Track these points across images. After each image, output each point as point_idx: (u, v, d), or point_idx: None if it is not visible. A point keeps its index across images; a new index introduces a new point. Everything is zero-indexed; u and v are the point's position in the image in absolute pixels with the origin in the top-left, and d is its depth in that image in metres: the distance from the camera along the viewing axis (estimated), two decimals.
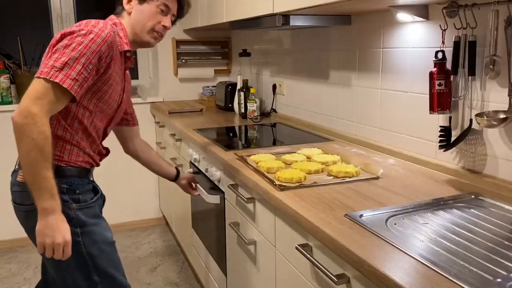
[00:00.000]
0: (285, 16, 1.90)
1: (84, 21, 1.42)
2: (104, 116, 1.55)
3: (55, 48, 1.34)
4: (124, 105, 1.70)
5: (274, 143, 2.27)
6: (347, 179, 1.51)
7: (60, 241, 1.30)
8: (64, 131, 1.42)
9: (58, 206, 1.31)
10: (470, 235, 1.12)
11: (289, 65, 2.71)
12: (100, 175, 3.52)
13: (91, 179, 1.56)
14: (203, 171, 2.23)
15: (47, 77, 1.28)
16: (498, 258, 1.00)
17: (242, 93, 2.93)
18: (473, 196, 1.36)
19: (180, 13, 1.63)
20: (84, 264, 1.43)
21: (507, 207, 1.28)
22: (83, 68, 1.33)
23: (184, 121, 2.77)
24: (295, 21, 1.92)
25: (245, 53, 3.07)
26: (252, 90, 2.89)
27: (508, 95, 1.34)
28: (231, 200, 1.88)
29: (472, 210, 1.28)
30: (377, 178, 1.54)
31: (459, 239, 1.10)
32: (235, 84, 3.12)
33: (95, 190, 1.55)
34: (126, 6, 1.54)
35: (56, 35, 1.39)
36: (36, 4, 3.34)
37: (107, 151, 1.64)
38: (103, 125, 1.57)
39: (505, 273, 0.94)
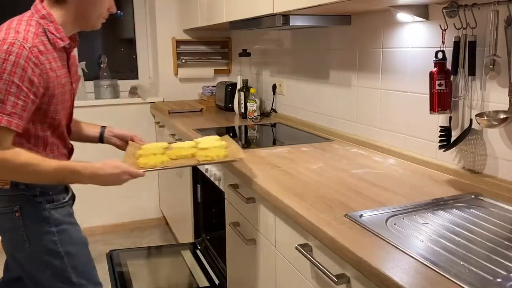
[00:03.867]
0: (285, 16, 1.90)
1: (2, 31, 1.28)
2: (63, 117, 1.47)
3: None
4: (76, 92, 1.57)
5: (274, 143, 2.27)
6: (204, 162, 1.53)
7: (123, 174, 1.38)
8: (30, 150, 1.35)
9: (86, 167, 1.36)
10: (470, 235, 1.12)
11: (289, 65, 2.71)
12: None
13: None
14: (203, 171, 2.23)
15: None
16: (498, 258, 1.00)
17: (242, 93, 2.93)
18: (473, 196, 1.36)
19: None
20: (61, 264, 1.42)
21: (507, 207, 1.28)
22: (16, 99, 1.24)
23: (184, 121, 2.77)
24: (295, 21, 1.92)
25: (245, 53, 3.07)
26: (252, 90, 2.89)
27: (509, 95, 1.34)
28: (231, 200, 1.88)
29: (472, 210, 1.28)
30: (233, 161, 1.58)
31: (459, 239, 1.10)
32: (235, 84, 3.12)
33: (67, 189, 1.54)
34: None
35: None
36: None
37: (72, 146, 1.59)
38: (65, 123, 1.50)
39: (505, 273, 0.94)
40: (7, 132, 1.26)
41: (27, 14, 1.38)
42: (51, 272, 1.42)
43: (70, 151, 1.56)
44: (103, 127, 1.76)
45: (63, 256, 1.41)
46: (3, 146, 1.26)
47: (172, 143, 1.79)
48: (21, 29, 1.29)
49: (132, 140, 1.76)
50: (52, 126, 1.42)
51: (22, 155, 1.29)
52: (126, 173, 1.39)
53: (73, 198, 1.57)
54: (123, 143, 1.77)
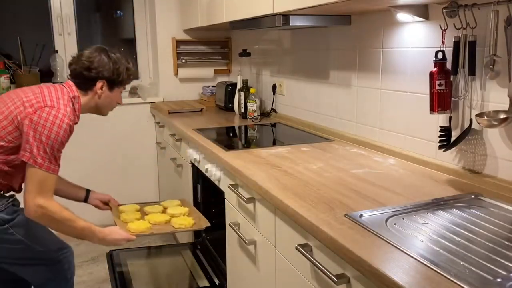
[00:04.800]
0: (285, 16, 1.90)
1: (52, 99, 1.68)
2: None
3: (39, 136, 1.61)
4: None
5: (274, 143, 2.27)
6: (179, 229, 1.95)
7: (122, 240, 1.83)
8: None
9: (100, 231, 1.77)
10: (470, 235, 1.12)
11: (289, 65, 2.71)
12: (100, 175, 3.51)
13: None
14: (203, 171, 2.23)
15: (43, 169, 1.62)
16: (498, 258, 1.00)
17: (242, 93, 2.93)
18: (473, 196, 1.36)
19: None
20: (23, 244, 1.70)
21: (507, 207, 1.28)
22: (60, 153, 1.69)
23: (184, 121, 2.77)
24: (295, 21, 1.92)
25: (245, 53, 3.07)
26: (252, 90, 2.89)
27: (508, 95, 1.34)
28: (231, 200, 1.88)
29: (472, 210, 1.28)
30: (205, 228, 1.92)
31: (459, 239, 1.10)
32: (235, 84, 3.12)
33: (7, 193, 1.80)
34: (98, 91, 1.83)
35: (29, 116, 1.62)
36: (36, 4, 3.34)
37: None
38: None
39: (505, 273, 0.94)
40: (55, 180, 1.68)
41: (64, 89, 1.77)
42: (18, 251, 1.71)
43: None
44: (88, 191, 2.16)
45: (22, 239, 1.70)
46: (51, 193, 1.68)
47: (142, 204, 2.20)
48: (65, 102, 1.72)
49: (109, 201, 2.19)
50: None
51: (64, 210, 1.69)
52: (124, 239, 1.82)
53: (12, 196, 1.79)
54: (102, 204, 2.19)
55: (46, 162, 1.62)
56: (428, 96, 1.54)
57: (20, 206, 1.75)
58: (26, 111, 1.63)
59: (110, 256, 2.40)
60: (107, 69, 1.81)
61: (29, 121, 1.61)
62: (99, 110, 1.91)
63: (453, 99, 1.54)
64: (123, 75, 1.86)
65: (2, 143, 1.64)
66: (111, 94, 1.87)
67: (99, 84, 1.81)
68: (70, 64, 1.84)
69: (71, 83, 1.81)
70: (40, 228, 1.77)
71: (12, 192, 1.80)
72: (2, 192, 1.74)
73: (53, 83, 3.28)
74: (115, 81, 1.85)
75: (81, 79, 1.80)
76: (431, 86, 1.52)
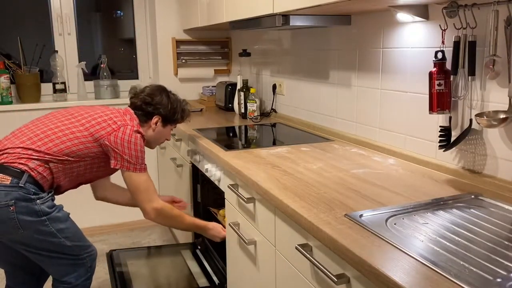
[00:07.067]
0: (285, 16, 1.90)
1: (129, 120, 1.91)
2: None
3: (128, 150, 1.86)
4: None
5: (274, 143, 2.27)
6: None
7: (219, 238, 2.06)
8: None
9: (202, 224, 2.06)
10: (470, 235, 1.12)
11: (289, 65, 2.71)
12: None
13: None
14: (203, 171, 2.23)
15: (137, 172, 1.88)
16: (498, 258, 1.00)
17: (242, 93, 2.93)
18: (473, 196, 1.36)
19: None
20: (55, 237, 1.79)
21: (507, 207, 1.28)
22: (144, 158, 1.92)
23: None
24: (295, 21, 1.92)
25: (245, 53, 3.07)
26: (252, 90, 2.89)
27: (508, 95, 1.34)
28: (231, 200, 1.88)
29: (472, 210, 1.28)
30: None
31: (459, 239, 1.10)
32: (235, 84, 3.12)
33: (49, 188, 1.88)
34: (152, 125, 2.05)
35: (115, 132, 1.86)
36: (36, 4, 3.34)
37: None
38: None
39: (505, 273, 0.94)
40: (151, 179, 1.94)
41: (129, 112, 1.99)
42: (48, 243, 1.79)
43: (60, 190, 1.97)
44: None
45: (56, 233, 1.78)
46: (157, 195, 1.95)
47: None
48: (137, 124, 1.96)
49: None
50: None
51: (174, 208, 1.99)
52: (222, 239, 2.04)
53: (51, 192, 1.87)
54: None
55: (137, 165, 1.88)
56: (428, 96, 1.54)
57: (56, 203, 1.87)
58: (112, 127, 1.86)
59: (110, 256, 2.40)
60: (165, 107, 2.03)
61: (114, 137, 1.85)
62: (148, 142, 2.08)
63: (453, 99, 1.54)
64: (177, 115, 2.09)
65: (81, 146, 1.83)
66: (163, 130, 2.08)
67: (155, 119, 2.03)
68: (131, 97, 2.07)
69: (132, 112, 2.00)
70: (71, 226, 1.87)
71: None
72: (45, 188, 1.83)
73: (53, 83, 3.31)
74: (170, 119, 2.07)
75: (140, 111, 2.02)
76: (430, 86, 1.52)
